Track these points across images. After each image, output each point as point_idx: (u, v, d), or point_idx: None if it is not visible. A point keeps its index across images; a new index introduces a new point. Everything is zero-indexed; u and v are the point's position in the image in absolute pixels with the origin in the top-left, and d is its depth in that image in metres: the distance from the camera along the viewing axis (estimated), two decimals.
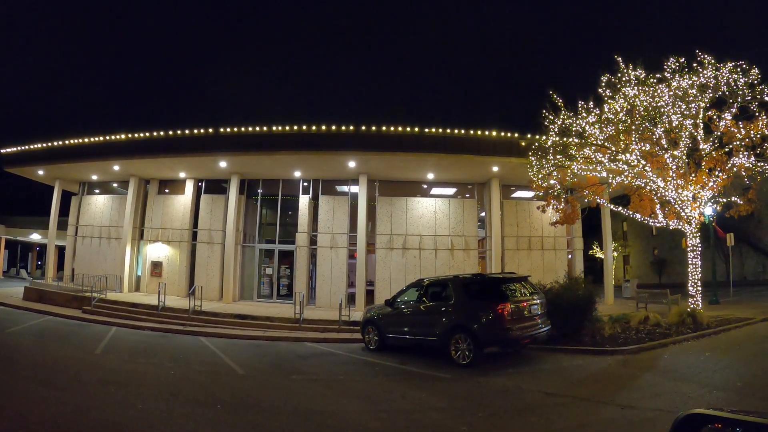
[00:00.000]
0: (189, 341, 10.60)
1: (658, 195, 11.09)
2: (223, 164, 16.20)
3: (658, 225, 11.69)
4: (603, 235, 17.64)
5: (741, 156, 10.21)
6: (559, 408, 5.30)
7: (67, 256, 19.91)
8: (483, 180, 17.13)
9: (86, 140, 17.11)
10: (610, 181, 11.53)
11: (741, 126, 10.19)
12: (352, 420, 4.92)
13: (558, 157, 11.51)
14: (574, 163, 11.40)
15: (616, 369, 7.25)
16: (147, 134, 16.16)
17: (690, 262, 10.98)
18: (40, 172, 19.36)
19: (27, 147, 18.46)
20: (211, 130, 15.59)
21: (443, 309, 8.31)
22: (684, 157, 10.71)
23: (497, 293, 7.80)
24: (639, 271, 33.40)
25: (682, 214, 10.78)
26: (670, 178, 10.69)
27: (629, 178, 11.25)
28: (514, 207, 17.34)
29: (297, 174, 17.05)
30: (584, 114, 11.27)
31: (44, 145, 17.98)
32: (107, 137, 16.76)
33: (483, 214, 17.58)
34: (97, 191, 20.04)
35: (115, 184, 19.94)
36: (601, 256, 21.36)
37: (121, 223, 18.18)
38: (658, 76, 10.63)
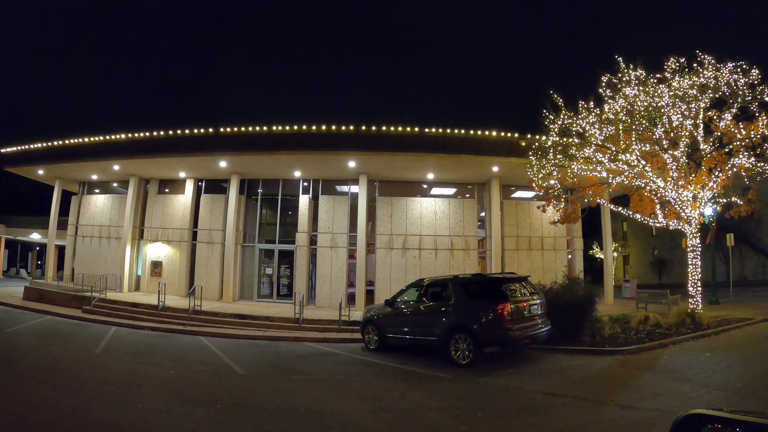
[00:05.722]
0: (189, 341, 10.60)
1: (658, 195, 11.09)
2: (223, 164, 16.21)
3: (658, 225, 11.69)
4: (603, 235, 17.63)
5: (741, 156, 10.21)
6: (559, 408, 5.30)
7: (67, 256, 19.91)
8: (483, 180, 17.13)
9: (86, 140, 17.10)
10: (610, 181, 11.53)
11: (741, 126, 10.19)
12: (352, 420, 4.92)
13: (558, 157, 11.50)
14: (575, 163, 11.40)
15: (616, 369, 7.25)
16: (147, 134, 16.16)
17: (690, 262, 10.98)
18: (40, 172, 19.36)
19: (27, 147, 18.45)
20: (211, 130, 15.59)
21: (443, 309, 8.31)
22: (684, 157, 10.70)
23: (497, 293, 7.80)
24: (639, 271, 33.39)
25: (682, 214, 10.78)
26: (670, 179, 10.69)
27: (629, 178, 11.25)
28: (514, 207, 17.34)
29: (297, 174, 17.05)
30: (584, 114, 11.26)
31: (44, 145, 17.97)
32: (107, 137, 16.76)
33: (483, 214, 17.58)
34: (97, 191, 20.04)
35: (115, 184, 19.93)
36: (601, 256, 21.37)
37: (121, 223, 18.18)
38: (658, 76, 10.62)
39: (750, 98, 10.04)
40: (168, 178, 18.64)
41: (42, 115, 76.37)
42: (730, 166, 10.38)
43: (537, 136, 12.12)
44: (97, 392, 5.79)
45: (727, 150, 10.51)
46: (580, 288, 9.63)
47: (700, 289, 10.95)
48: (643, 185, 11.19)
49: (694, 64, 10.33)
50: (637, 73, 10.65)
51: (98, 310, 14.20)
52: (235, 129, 15.35)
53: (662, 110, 10.47)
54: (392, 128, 14.64)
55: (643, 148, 10.78)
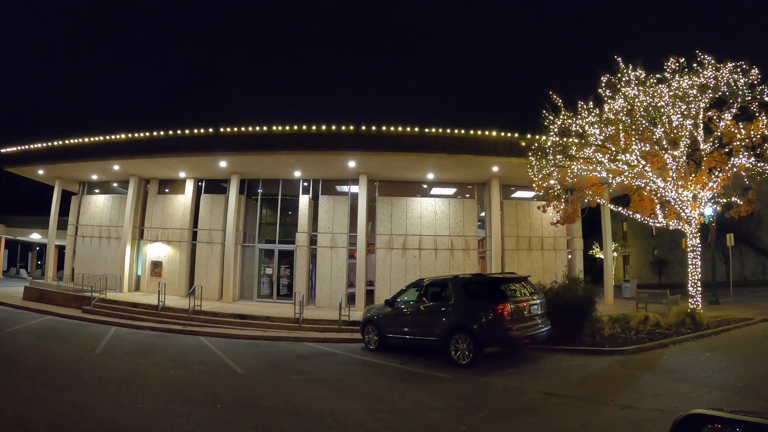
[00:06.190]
0: (189, 341, 10.60)
1: (659, 195, 11.09)
2: (223, 164, 16.21)
3: (658, 225, 11.69)
4: (603, 235, 17.64)
5: (741, 156, 10.21)
6: (559, 408, 5.30)
7: (67, 256, 19.92)
8: (483, 180, 17.13)
9: (86, 140, 17.11)
10: (610, 181, 11.53)
11: (741, 126, 10.19)
12: (352, 420, 4.92)
13: (558, 157, 11.50)
14: (574, 163, 11.40)
15: (616, 369, 7.25)
16: (147, 134, 16.16)
17: (690, 262, 10.98)
18: (40, 172, 19.36)
19: (27, 147, 18.46)
20: (211, 130, 15.60)
21: (443, 309, 8.31)
22: (684, 157, 10.71)
23: (497, 293, 7.80)
24: (639, 271, 33.39)
25: (682, 214, 10.78)
26: (670, 179, 10.69)
27: (629, 179, 11.25)
28: (514, 207, 17.34)
29: (297, 174, 17.05)
30: (584, 114, 11.27)
31: (44, 145, 17.98)
32: (107, 137, 16.77)
33: (483, 214, 17.58)
34: (97, 191, 20.04)
35: (115, 184, 19.94)
36: (601, 256, 21.37)
37: (121, 223, 18.18)
38: (658, 76, 10.62)
39: (750, 98, 10.04)
40: (168, 178, 18.64)
41: (42, 115, 76.37)
42: (730, 166, 10.38)
43: (537, 136, 12.13)
44: (97, 392, 5.80)
45: (727, 150, 10.51)
46: (580, 288, 9.63)
47: (700, 289, 10.95)
48: (643, 185, 11.19)
49: (694, 64, 10.33)
50: (637, 73, 10.64)
51: (98, 310, 14.20)
52: (235, 129, 15.36)
53: (662, 110, 10.47)
54: (392, 128, 14.64)
55: (643, 148, 10.78)
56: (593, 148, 11.19)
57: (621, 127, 10.74)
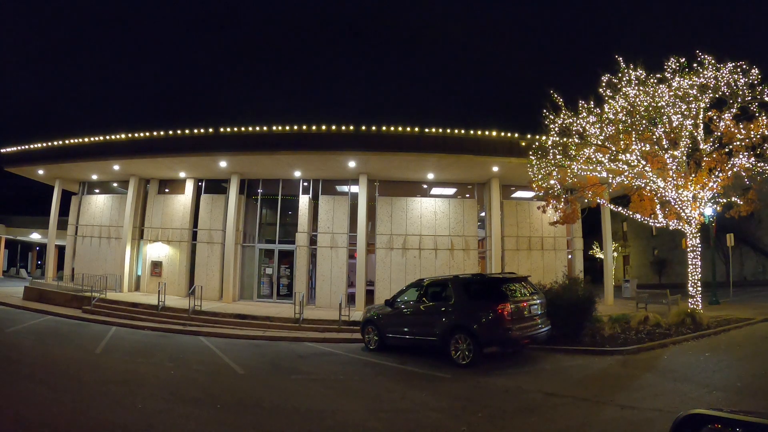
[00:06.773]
0: (189, 341, 10.60)
1: (659, 195, 11.10)
2: (223, 164, 16.21)
3: (658, 225, 11.69)
4: (603, 235, 17.64)
5: (741, 156, 10.22)
6: (560, 408, 5.31)
7: (67, 256, 19.91)
8: (483, 180, 17.13)
9: (86, 140, 17.11)
10: (611, 181, 11.53)
11: (741, 126, 10.20)
12: (352, 420, 4.92)
13: (558, 157, 11.51)
14: (575, 163, 11.40)
15: (616, 369, 7.25)
16: (147, 134, 16.16)
17: (690, 262, 10.98)
18: (40, 172, 19.36)
19: (27, 147, 18.46)
20: (211, 130, 15.60)
21: (443, 309, 8.31)
22: (684, 157, 10.72)
23: (497, 293, 7.80)
24: (639, 271, 33.39)
25: (682, 214, 10.78)
26: (670, 179, 10.69)
27: (629, 178, 11.25)
28: (514, 207, 17.34)
29: (297, 174, 17.05)
30: (584, 114, 11.27)
31: (44, 145, 17.98)
32: (107, 137, 16.77)
33: (483, 214, 17.58)
34: (97, 191, 20.04)
35: (115, 184, 19.94)
36: (601, 256, 21.38)
37: (121, 223, 18.18)
38: (658, 76, 10.63)
39: (750, 98, 10.05)
40: (168, 178, 18.64)
41: (42, 115, 76.41)
42: (730, 166, 10.38)
43: (537, 136, 12.13)
44: (97, 392, 5.79)
45: (727, 150, 10.51)
46: (580, 288, 9.63)
47: (700, 289, 10.95)
48: (643, 185, 11.19)
49: (694, 64, 10.34)
50: (638, 73, 10.65)
51: (98, 310, 14.20)
52: (235, 129, 15.36)
53: (662, 110, 10.47)
54: (392, 128, 14.64)
55: (643, 148, 10.78)
56: (593, 147, 11.19)
57: (621, 127, 10.74)
